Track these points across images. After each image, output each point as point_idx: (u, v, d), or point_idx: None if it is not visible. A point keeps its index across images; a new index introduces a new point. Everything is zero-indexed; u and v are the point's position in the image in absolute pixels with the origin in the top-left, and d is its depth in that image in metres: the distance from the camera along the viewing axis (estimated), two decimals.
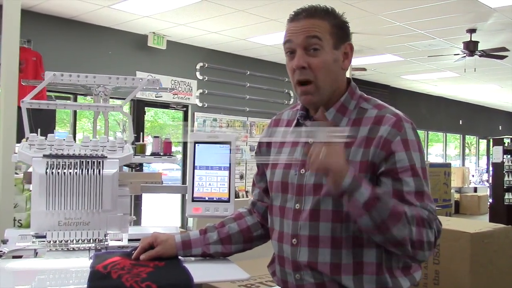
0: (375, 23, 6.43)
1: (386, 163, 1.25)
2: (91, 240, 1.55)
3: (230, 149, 1.62)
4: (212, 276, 1.37)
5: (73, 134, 6.46)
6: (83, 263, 1.35)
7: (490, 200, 9.52)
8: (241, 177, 8.34)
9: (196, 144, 1.61)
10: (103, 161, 1.58)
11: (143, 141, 2.43)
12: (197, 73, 7.96)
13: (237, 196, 7.73)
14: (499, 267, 2.20)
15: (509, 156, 9.10)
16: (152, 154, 2.35)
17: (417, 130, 1.32)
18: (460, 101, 13.91)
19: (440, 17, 6.10)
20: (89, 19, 6.53)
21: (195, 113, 7.93)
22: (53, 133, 1.67)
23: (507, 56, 7.34)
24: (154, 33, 7.06)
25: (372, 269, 1.26)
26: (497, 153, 9.16)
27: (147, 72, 7.03)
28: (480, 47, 7.03)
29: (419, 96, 12.50)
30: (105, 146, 1.64)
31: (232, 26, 6.71)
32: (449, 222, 2.29)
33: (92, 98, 2.46)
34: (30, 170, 1.59)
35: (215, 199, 1.61)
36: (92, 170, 1.55)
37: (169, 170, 10.90)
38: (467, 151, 15.37)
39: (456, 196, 11.58)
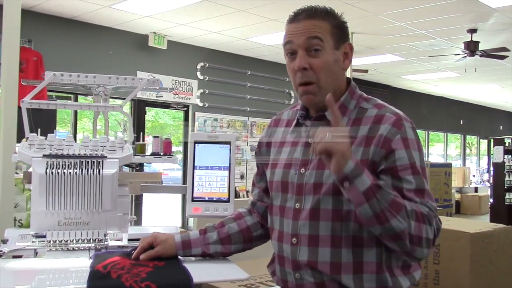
0: (376, 23, 6.43)
1: (386, 161, 1.25)
2: (91, 240, 1.54)
3: (230, 149, 1.62)
4: (212, 276, 1.37)
5: (73, 134, 6.47)
6: (83, 263, 1.35)
7: (491, 200, 9.51)
8: (242, 177, 8.34)
9: (196, 144, 1.61)
10: (103, 161, 1.58)
11: (143, 141, 2.43)
12: (198, 73, 7.96)
13: (237, 196, 7.73)
14: (499, 267, 2.20)
15: (509, 156, 9.09)
16: (152, 154, 2.34)
17: (418, 130, 1.32)
18: (461, 101, 13.91)
19: (441, 17, 6.10)
20: (89, 19, 6.53)
21: (196, 113, 7.93)
22: (53, 133, 1.67)
23: (507, 56, 7.34)
24: (154, 33, 7.06)
25: (372, 268, 1.26)
26: (498, 153, 9.16)
27: (148, 72, 7.05)
28: (481, 47, 7.03)
29: (420, 96, 12.50)
30: (105, 146, 1.65)
31: (232, 26, 6.71)
32: (449, 222, 2.29)
33: (92, 98, 2.46)
34: (30, 170, 1.59)
35: (215, 199, 1.61)
36: (92, 170, 1.55)
37: (170, 170, 10.92)
38: (468, 151, 15.37)
39: (457, 196, 11.58)
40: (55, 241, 1.52)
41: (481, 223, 2.56)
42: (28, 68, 5.62)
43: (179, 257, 1.42)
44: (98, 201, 1.55)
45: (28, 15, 5.39)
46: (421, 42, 7.38)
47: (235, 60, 8.43)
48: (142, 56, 7.23)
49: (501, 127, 15.74)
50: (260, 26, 6.63)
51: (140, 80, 2.17)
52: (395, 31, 6.79)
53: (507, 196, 8.95)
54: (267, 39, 7.33)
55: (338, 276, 1.26)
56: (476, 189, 12.88)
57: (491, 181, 9.98)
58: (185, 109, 7.96)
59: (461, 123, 14.19)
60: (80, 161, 1.56)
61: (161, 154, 2.32)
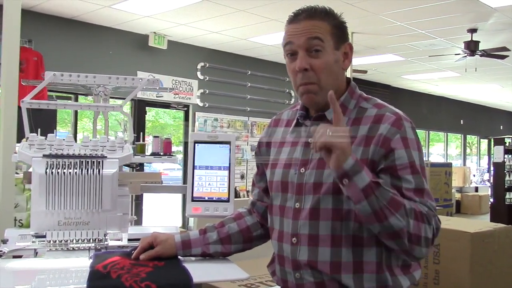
0: (376, 23, 6.43)
1: (385, 160, 1.25)
2: (91, 240, 1.55)
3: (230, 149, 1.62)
4: (212, 276, 1.37)
5: (74, 134, 6.47)
6: (83, 263, 1.36)
7: (491, 200, 9.52)
8: (242, 177, 8.34)
9: (196, 144, 1.61)
10: (102, 161, 1.58)
11: (143, 141, 2.43)
12: (198, 73, 7.96)
13: (237, 196, 7.73)
14: (499, 267, 2.20)
15: (510, 155, 9.10)
16: (152, 154, 2.35)
17: (418, 130, 1.32)
18: (461, 101, 13.91)
19: (441, 17, 6.10)
20: (90, 19, 6.53)
21: (196, 113, 7.93)
22: (54, 133, 1.67)
23: (508, 56, 7.34)
24: (155, 33, 7.06)
25: (372, 267, 1.26)
26: (498, 153, 9.16)
27: (148, 72, 7.05)
28: (481, 47, 7.03)
29: (420, 96, 12.50)
30: (105, 146, 1.65)
31: (233, 26, 6.71)
32: (449, 222, 2.29)
33: (92, 98, 2.46)
34: (30, 170, 1.59)
35: (214, 199, 1.61)
36: (92, 170, 1.55)
37: (170, 170, 10.92)
38: (468, 150, 15.37)
39: (457, 195, 11.58)
40: (55, 241, 1.52)
41: (481, 223, 2.56)
42: (28, 68, 5.63)
43: (179, 257, 1.42)
44: (98, 201, 1.55)
45: (28, 15, 5.39)
46: (421, 42, 7.38)
47: (235, 60, 8.43)
48: (142, 56, 7.23)
49: (501, 126, 15.74)
50: (260, 26, 6.63)
51: (140, 80, 2.17)
52: (395, 31, 6.78)
53: (507, 196, 8.96)
54: (267, 39, 7.33)
55: (338, 276, 1.26)
56: (476, 189, 12.89)
57: (491, 180, 9.99)
58: (185, 109, 7.96)
59: (462, 122, 14.19)
60: (80, 161, 1.56)
61: (161, 154, 2.33)
